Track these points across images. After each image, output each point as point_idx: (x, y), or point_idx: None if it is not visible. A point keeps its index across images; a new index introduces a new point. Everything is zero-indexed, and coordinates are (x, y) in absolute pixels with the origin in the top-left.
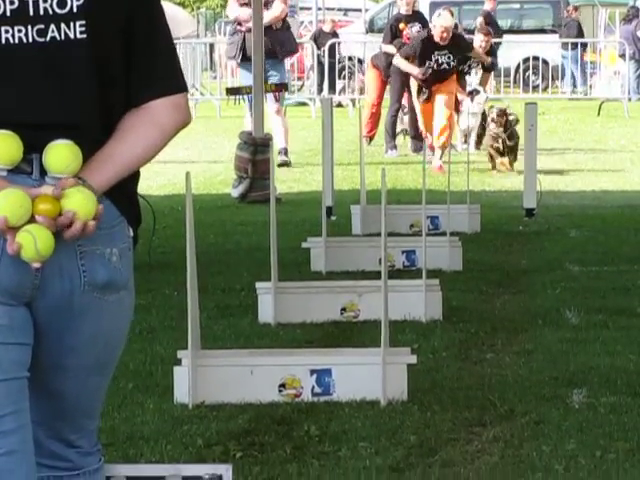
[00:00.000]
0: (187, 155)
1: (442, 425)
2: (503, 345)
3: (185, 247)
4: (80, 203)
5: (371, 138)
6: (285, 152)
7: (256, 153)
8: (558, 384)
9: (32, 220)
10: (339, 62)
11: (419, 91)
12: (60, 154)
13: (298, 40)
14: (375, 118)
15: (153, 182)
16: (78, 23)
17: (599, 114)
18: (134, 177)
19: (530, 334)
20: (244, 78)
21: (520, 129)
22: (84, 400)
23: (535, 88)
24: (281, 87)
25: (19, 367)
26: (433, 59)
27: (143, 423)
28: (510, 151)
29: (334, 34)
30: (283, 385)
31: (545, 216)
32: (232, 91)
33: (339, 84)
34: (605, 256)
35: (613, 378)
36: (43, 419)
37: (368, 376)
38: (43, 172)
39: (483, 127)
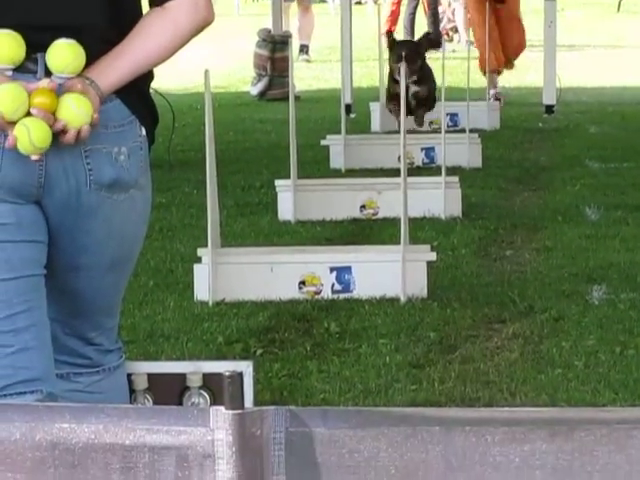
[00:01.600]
0: (206, 53)
1: (462, 322)
2: (522, 242)
3: (204, 145)
4: (72, 113)
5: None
6: (306, 50)
7: (275, 51)
8: (578, 280)
9: (29, 114)
10: None
11: None
12: (60, 53)
13: None
14: (394, 16)
15: (172, 80)
16: None
17: (619, 10)
18: (146, 76)
19: (549, 231)
20: None
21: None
22: (101, 298)
23: None
24: None
25: (31, 264)
26: None
27: (164, 320)
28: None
29: None
30: (303, 282)
31: (565, 113)
32: None
33: None
34: (625, 152)
35: (633, 274)
36: (61, 317)
37: (388, 273)
38: (49, 72)
39: None
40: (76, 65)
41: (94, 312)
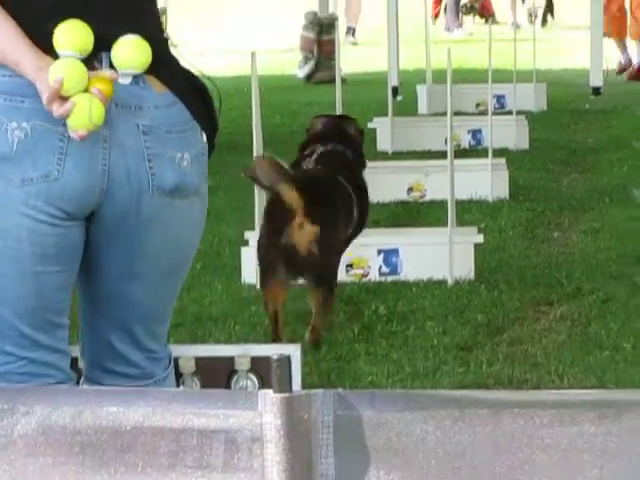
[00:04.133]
0: (253, 36)
1: (509, 304)
2: (570, 223)
3: (251, 128)
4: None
5: (436, 16)
6: (353, 32)
7: (322, 33)
8: (625, 262)
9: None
10: None
11: None
12: (126, 49)
13: None
14: None
15: (219, 63)
16: None
17: None
18: (204, 83)
19: (597, 212)
20: None
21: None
22: (155, 306)
23: None
24: None
25: (61, 291)
26: None
27: (211, 304)
28: None
29: None
30: (350, 265)
31: (611, 94)
32: None
33: None
34: None
35: None
36: (115, 325)
37: (435, 255)
38: (115, 71)
39: (549, 4)
40: (142, 62)
41: (148, 319)
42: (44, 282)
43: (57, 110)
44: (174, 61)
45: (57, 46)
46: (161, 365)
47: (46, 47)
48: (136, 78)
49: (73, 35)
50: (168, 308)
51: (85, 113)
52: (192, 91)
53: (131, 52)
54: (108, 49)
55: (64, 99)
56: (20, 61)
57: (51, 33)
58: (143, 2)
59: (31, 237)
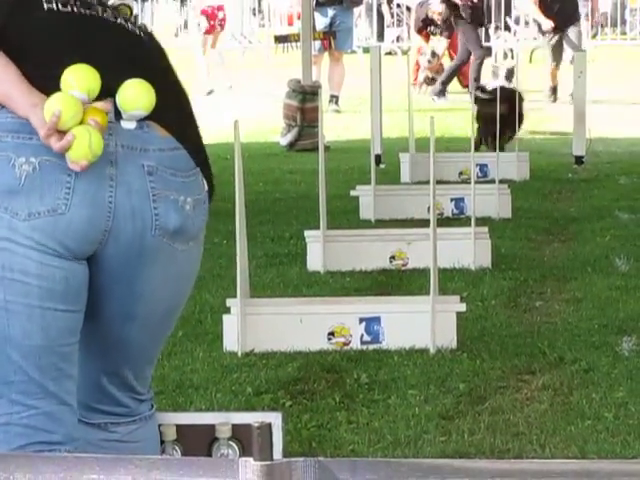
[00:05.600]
0: (235, 103)
1: (491, 373)
2: (552, 293)
3: (234, 195)
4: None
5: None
6: (336, 100)
7: (305, 101)
8: (607, 332)
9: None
10: (390, 8)
11: None
12: (131, 91)
13: None
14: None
15: (202, 131)
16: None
17: None
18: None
19: (579, 282)
20: (318, 23)
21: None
22: (150, 348)
23: None
24: (328, 35)
25: (67, 334)
26: None
27: (193, 371)
28: None
29: None
30: (332, 333)
31: (594, 163)
32: (280, 39)
33: (390, 32)
34: None
35: None
36: (109, 367)
37: (417, 324)
38: (119, 116)
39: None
40: (148, 102)
41: (141, 361)
42: (51, 320)
43: (57, 143)
44: (184, 110)
45: (67, 87)
46: (144, 405)
47: (51, 89)
48: (140, 123)
49: (83, 77)
50: (159, 350)
51: (85, 144)
52: (191, 138)
53: (137, 93)
54: (113, 95)
55: (62, 133)
56: (11, 94)
57: (57, 77)
58: (149, 56)
59: (38, 270)
